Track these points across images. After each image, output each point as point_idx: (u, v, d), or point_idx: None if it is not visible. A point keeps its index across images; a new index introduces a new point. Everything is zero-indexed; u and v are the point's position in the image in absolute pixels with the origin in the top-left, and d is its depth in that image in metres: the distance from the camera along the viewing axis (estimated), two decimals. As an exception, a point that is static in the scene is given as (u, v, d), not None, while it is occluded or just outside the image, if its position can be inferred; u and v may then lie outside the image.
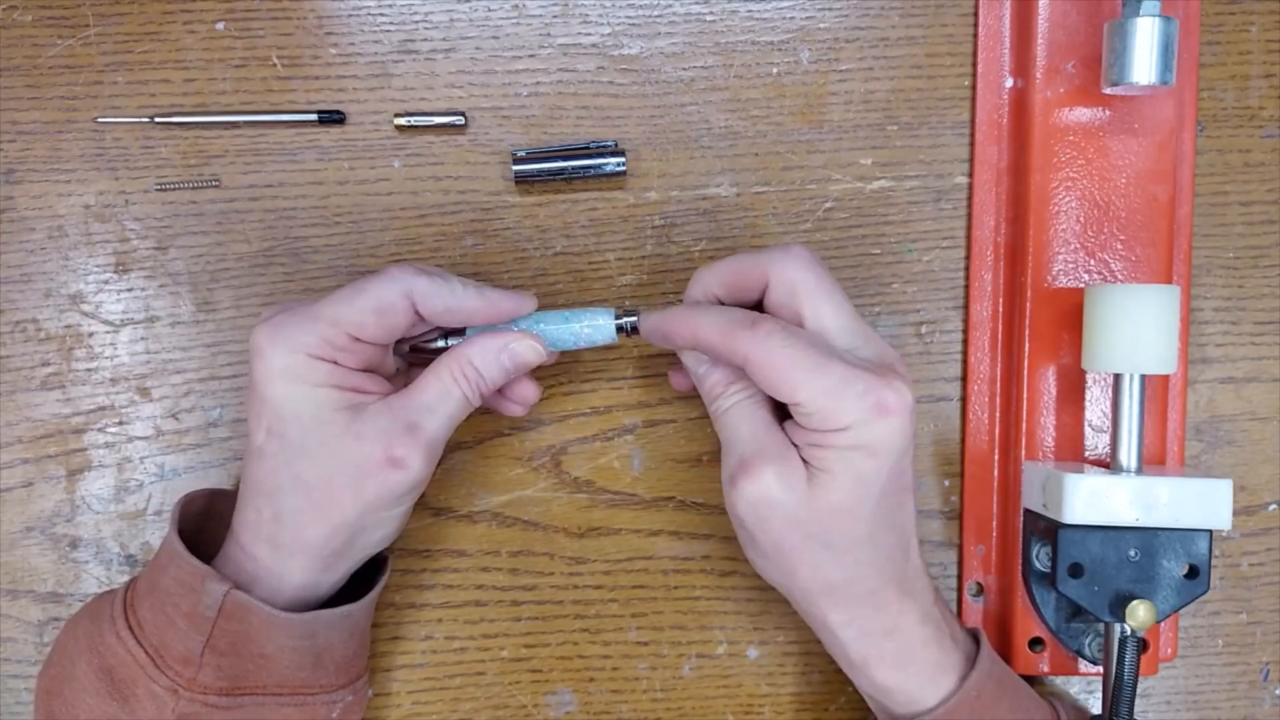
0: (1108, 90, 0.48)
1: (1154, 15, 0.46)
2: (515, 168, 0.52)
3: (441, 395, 0.45)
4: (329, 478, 0.43)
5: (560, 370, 0.53)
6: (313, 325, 0.43)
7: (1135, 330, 0.46)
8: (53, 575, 0.53)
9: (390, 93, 0.52)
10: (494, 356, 0.46)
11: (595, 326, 0.47)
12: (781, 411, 0.44)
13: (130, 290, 0.52)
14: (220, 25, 0.52)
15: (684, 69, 0.53)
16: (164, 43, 0.52)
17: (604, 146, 0.52)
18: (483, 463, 0.53)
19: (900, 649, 0.45)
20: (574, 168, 0.51)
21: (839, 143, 0.53)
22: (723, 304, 0.46)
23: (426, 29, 0.52)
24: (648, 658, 0.53)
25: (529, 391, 0.49)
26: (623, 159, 0.51)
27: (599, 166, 0.51)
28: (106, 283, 0.52)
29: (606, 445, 0.53)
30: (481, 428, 0.53)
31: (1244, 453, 0.53)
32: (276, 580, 0.45)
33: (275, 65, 0.52)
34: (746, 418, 0.44)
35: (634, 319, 0.47)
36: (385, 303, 0.44)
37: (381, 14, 0.52)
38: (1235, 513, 0.48)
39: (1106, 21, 0.47)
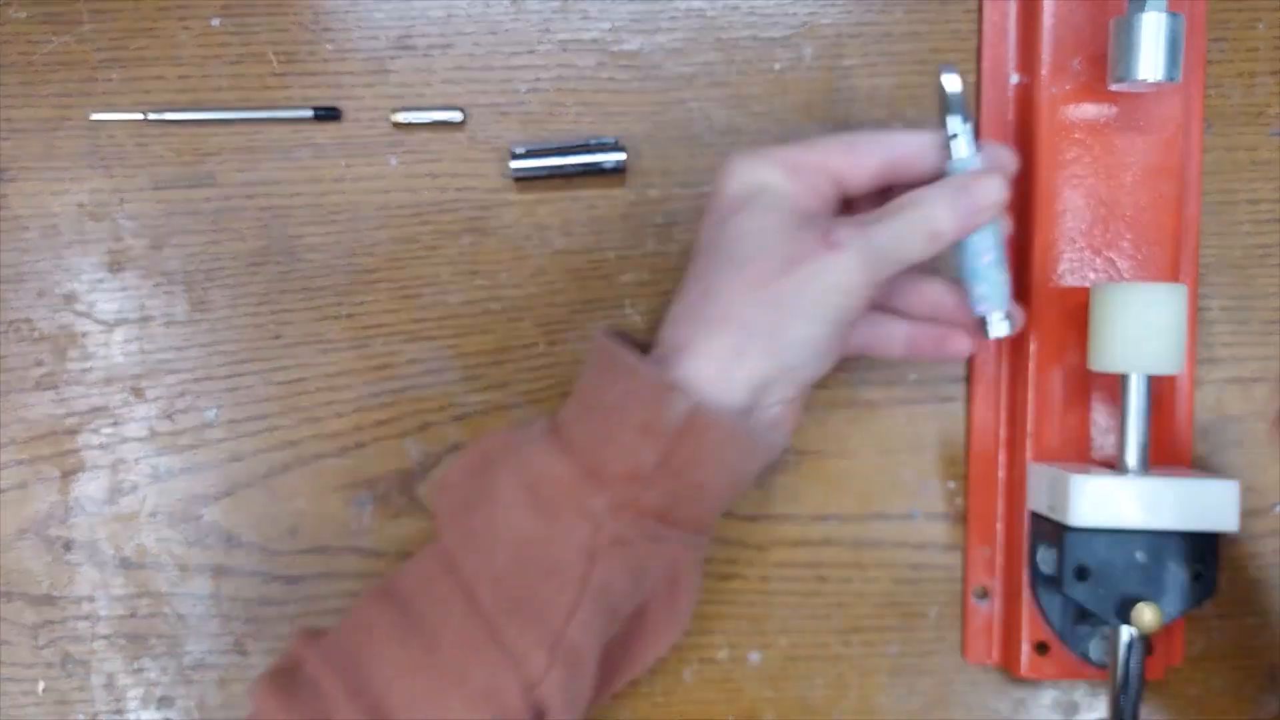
0: (1114, 87, 0.47)
1: (1160, 11, 0.45)
2: (514, 165, 0.51)
3: (895, 210, 0.43)
4: (763, 252, 0.43)
5: (561, 370, 0.52)
6: (781, 145, 0.44)
7: (1142, 330, 0.46)
8: (47, 577, 0.52)
9: (387, 89, 0.52)
10: (948, 194, 0.43)
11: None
12: None
13: (124, 289, 0.52)
14: (215, 21, 0.52)
15: (685, 65, 0.52)
16: (159, 39, 0.52)
17: (604, 143, 0.51)
18: (481, 464, 0.52)
19: None
20: (573, 165, 0.51)
21: (842, 140, 0.52)
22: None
23: (424, 25, 0.52)
24: (648, 661, 0.53)
25: (960, 344, 0.47)
26: (623, 156, 0.51)
27: (599, 163, 0.51)
28: (100, 282, 0.52)
29: (606, 446, 0.53)
30: (479, 429, 0.52)
31: (1251, 454, 0.53)
32: (682, 377, 0.42)
33: (271, 61, 0.52)
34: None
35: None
36: (851, 140, 0.45)
37: (378, 9, 0.52)
38: (1242, 514, 0.47)
39: (1113, 18, 0.47)
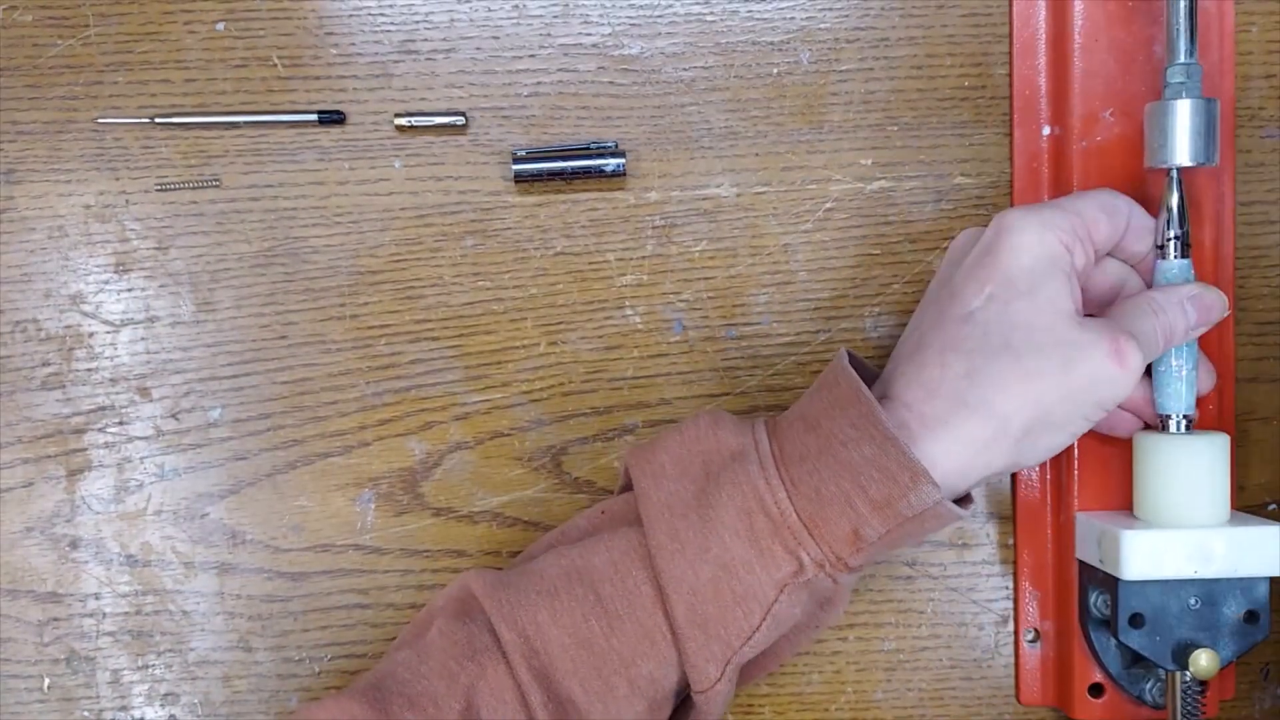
0: (1150, 169, 0.48)
1: (1195, 98, 0.46)
2: (515, 168, 0.52)
3: (1147, 328, 0.44)
4: (1042, 349, 0.42)
5: (560, 371, 0.53)
6: (1062, 212, 0.44)
7: (1187, 482, 0.47)
8: (52, 575, 0.53)
9: (390, 93, 0.52)
10: (1177, 301, 0.45)
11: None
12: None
13: (130, 290, 0.52)
14: (220, 25, 0.52)
15: (684, 69, 0.53)
16: (164, 43, 0.52)
17: (604, 147, 0.52)
18: (483, 463, 0.53)
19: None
20: (574, 168, 0.51)
21: (839, 143, 0.53)
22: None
23: (427, 29, 0.52)
24: (648, 658, 0.53)
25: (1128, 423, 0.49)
26: (623, 159, 0.52)
27: (599, 167, 0.51)
28: (107, 283, 0.52)
29: (606, 445, 0.53)
30: (481, 428, 0.53)
31: (1244, 453, 0.53)
32: (927, 456, 0.42)
33: (275, 65, 0.52)
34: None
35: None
36: (1113, 206, 0.45)
37: (382, 14, 0.52)
38: (1234, 510, 0.48)
39: (1148, 103, 0.47)
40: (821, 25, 0.53)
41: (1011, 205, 0.53)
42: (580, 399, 0.53)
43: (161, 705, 0.52)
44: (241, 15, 0.52)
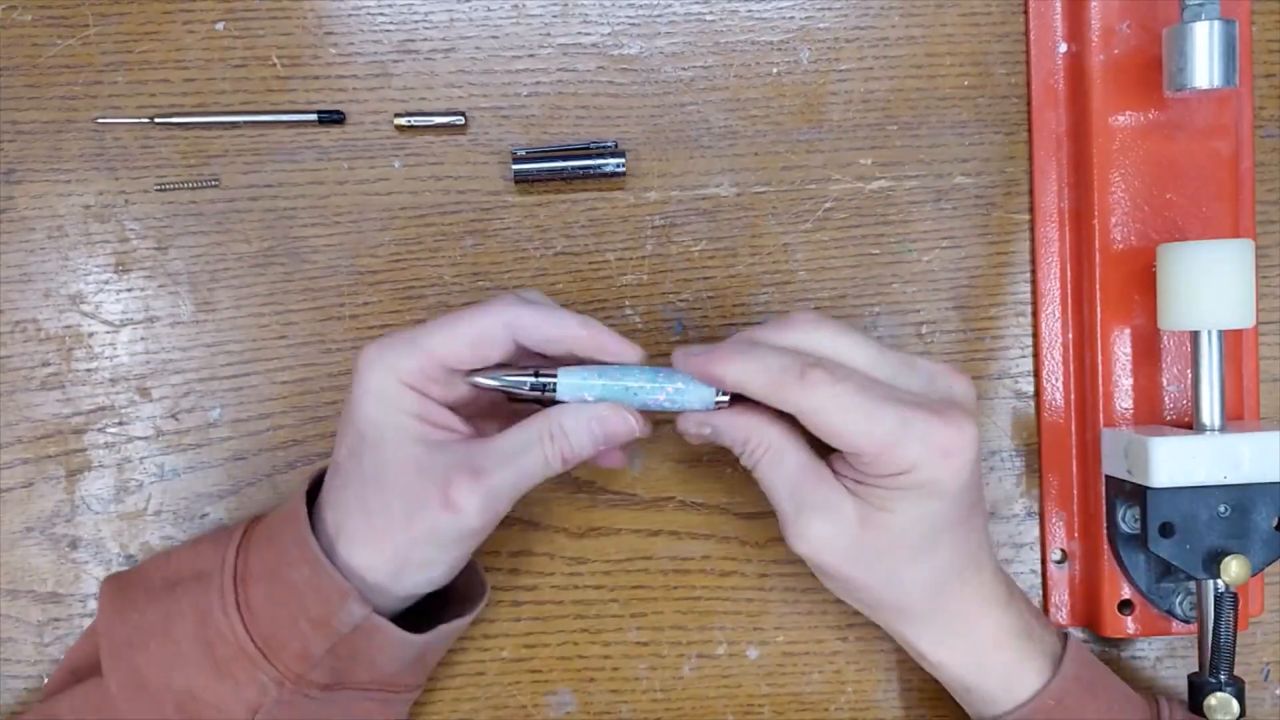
0: (1170, 95, 0.48)
1: (1214, 19, 0.46)
2: (515, 167, 0.52)
3: (520, 448, 0.43)
4: (388, 507, 0.43)
5: (560, 370, 0.53)
6: (410, 350, 0.42)
7: (1212, 286, 0.46)
8: (52, 575, 0.53)
9: (390, 93, 0.52)
10: (585, 423, 0.43)
11: (687, 393, 0.44)
12: (820, 444, 0.43)
13: (130, 290, 0.52)
14: (220, 25, 0.52)
15: (684, 69, 0.53)
16: (164, 42, 0.52)
17: (604, 146, 0.52)
18: (483, 463, 0.53)
19: (976, 655, 0.46)
20: (574, 168, 0.51)
21: (839, 142, 0.53)
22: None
23: (426, 29, 0.52)
24: (648, 658, 0.53)
25: (615, 460, 0.47)
26: (622, 159, 0.52)
27: (599, 166, 0.51)
28: (106, 283, 0.52)
29: (606, 445, 0.53)
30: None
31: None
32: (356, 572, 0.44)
33: (275, 65, 0.52)
34: (778, 468, 0.43)
35: (728, 398, 0.44)
36: (484, 334, 0.43)
37: (381, 14, 0.52)
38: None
39: (1165, 28, 0.47)
40: (821, 25, 0.53)
41: (1030, 140, 0.53)
42: (580, 399, 0.53)
43: (161, 705, 0.52)
44: (241, 15, 0.52)
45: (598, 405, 0.43)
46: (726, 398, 0.44)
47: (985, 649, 0.46)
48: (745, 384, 0.42)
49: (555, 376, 0.43)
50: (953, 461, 0.41)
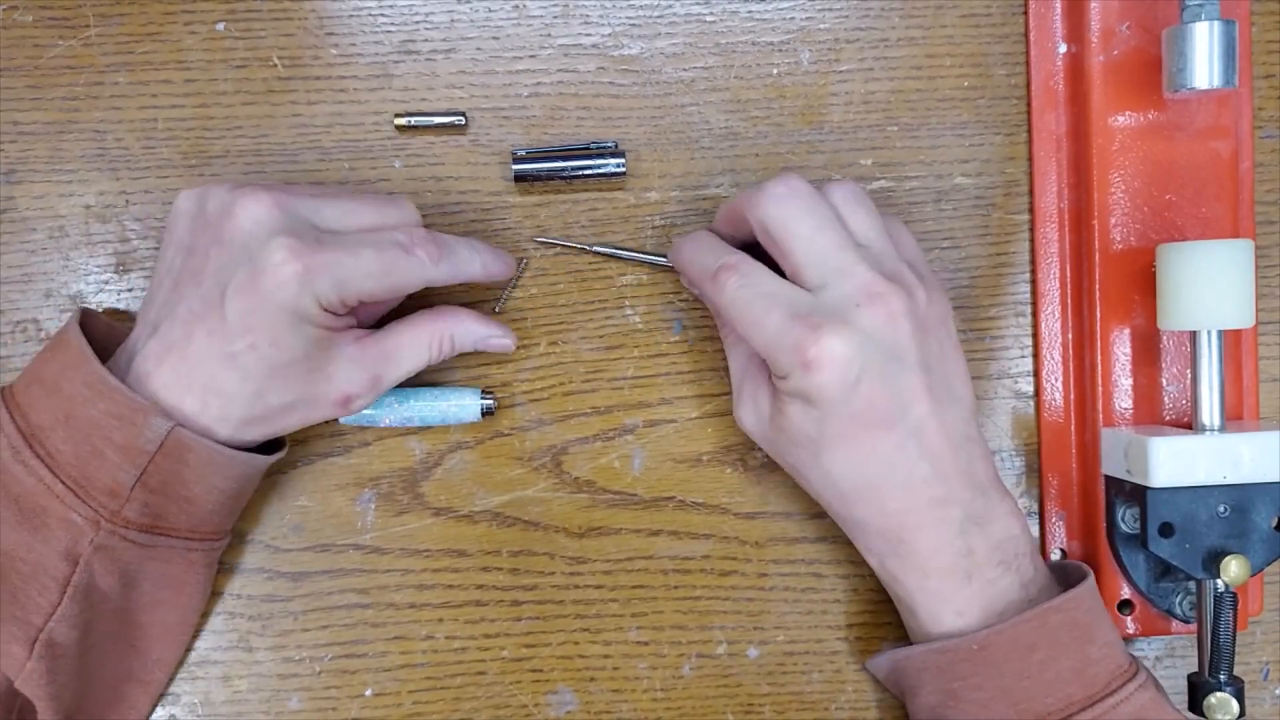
0: (1170, 95, 0.48)
1: (1214, 19, 0.46)
2: (515, 168, 0.52)
3: (414, 357, 0.48)
4: (288, 403, 0.46)
5: (560, 371, 0.53)
6: (337, 289, 0.44)
7: (1212, 286, 0.46)
8: (53, 575, 0.53)
9: (391, 93, 0.52)
10: (472, 341, 0.49)
11: (461, 406, 0.51)
12: None
13: (131, 290, 0.52)
14: (221, 26, 0.52)
15: (684, 69, 0.53)
16: (165, 43, 0.52)
17: (604, 147, 0.52)
18: (483, 463, 0.53)
19: (906, 575, 0.46)
20: (574, 168, 0.52)
21: (839, 143, 0.53)
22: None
23: (427, 29, 0.52)
24: (648, 657, 0.53)
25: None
26: (623, 159, 0.52)
27: (599, 167, 0.52)
28: (107, 283, 0.52)
29: (606, 445, 0.53)
30: (481, 428, 0.53)
31: None
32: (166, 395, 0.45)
33: (276, 66, 0.52)
34: (734, 354, 0.50)
35: (492, 401, 0.52)
36: (405, 287, 0.46)
37: (382, 14, 0.52)
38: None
39: (1165, 28, 0.47)
40: (821, 25, 0.53)
41: (1030, 141, 0.53)
42: (580, 399, 0.53)
43: (162, 706, 0.52)
44: (242, 15, 0.52)
45: (491, 325, 0.49)
46: (491, 401, 0.52)
47: (915, 572, 0.46)
48: (684, 274, 0.50)
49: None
50: (816, 375, 0.43)
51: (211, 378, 0.44)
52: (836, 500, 0.46)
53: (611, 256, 0.52)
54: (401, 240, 0.45)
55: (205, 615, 0.52)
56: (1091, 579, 0.46)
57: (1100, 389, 0.51)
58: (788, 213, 0.44)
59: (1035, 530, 0.54)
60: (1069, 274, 0.53)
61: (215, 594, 0.52)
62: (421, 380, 0.52)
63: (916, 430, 0.44)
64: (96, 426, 0.44)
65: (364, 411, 0.50)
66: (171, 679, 0.52)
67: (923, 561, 0.45)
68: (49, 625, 0.44)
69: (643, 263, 0.52)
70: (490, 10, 0.52)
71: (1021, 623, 0.44)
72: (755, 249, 0.47)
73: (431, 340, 0.48)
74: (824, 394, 0.43)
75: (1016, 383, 0.54)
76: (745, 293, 0.44)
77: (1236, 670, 0.47)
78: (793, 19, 0.53)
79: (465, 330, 0.49)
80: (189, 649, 0.52)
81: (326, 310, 0.44)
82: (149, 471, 0.44)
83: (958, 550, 0.45)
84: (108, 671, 0.49)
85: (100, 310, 0.52)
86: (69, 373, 0.44)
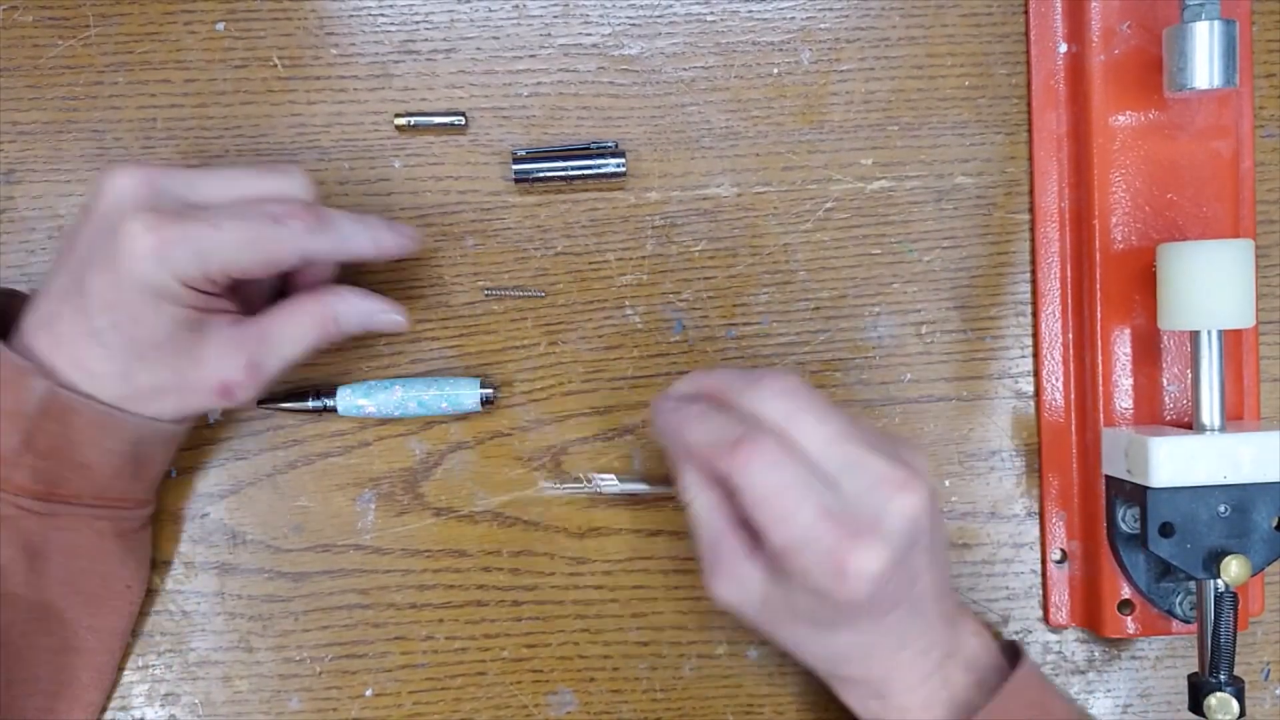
0: (1170, 95, 0.48)
1: (1214, 19, 0.46)
2: (515, 168, 0.52)
3: (296, 340, 0.46)
4: (158, 386, 0.44)
5: (560, 371, 0.53)
6: (198, 261, 0.42)
7: (1212, 287, 0.46)
8: (53, 575, 0.53)
9: (390, 93, 0.52)
10: (359, 319, 0.47)
11: (460, 394, 0.51)
12: None
13: (131, 290, 0.52)
14: (220, 26, 0.52)
15: (684, 69, 0.53)
16: (164, 43, 0.52)
17: (604, 147, 0.52)
18: (483, 463, 0.53)
19: (895, 711, 0.46)
20: (574, 168, 0.51)
21: (840, 143, 0.53)
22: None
23: (427, 29, 0.52)
24: (648, 658, 0.53)
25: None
26: (623, 159, 0.52)
27: (599, 167, 0.52)
28: (107, 283, 0.52)
29: (606, 445, 0.53)
30: (481, 428, 0.53)
31: None
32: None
33: (276, 66, 0.52)
34: (704, 513, 0.44)
35: (492, 391, 0.51)
36: (277, 260, 0.44)
37: (382, 14, 0.52)
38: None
39: (1166, 28, 0.47)
40: (821, 25, 0.53)
41: (1030, 140, 0.53)
42: (580, 399, 0.53)
43: (162, 705, 0.52)
44: (242, 15, 0.52)
45: (374, 300, 0.47)
46: (491, 390, 0.51)
47: (894, 710, 0.46)
48: (686, 440, 0.43)
49: (335, 396, 0.51)
50: (845, 584, 0.40)
51: (79, 355, 0.43)
52: (826, 664, 0.46)
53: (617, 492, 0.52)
54: (273, 211, 0.43)
55: (205, 615, 0.52)
56: (1029, 662, 0.47)
57: (1100, 389, 0.51)
58: (790, 409, 0.41)
59: (1035, 531, 0.54)
60: (1069, 274, 0.53)
61: (216, 594, 0.52)
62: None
63: (918, 600, 0.44)
64: None
65: (358, 401, 0.50)
66: (123, 653, 0.51)
67: (903, 700, 0.46)
68: None
69: (646, 494, 0.52)
70: (490, 10, 0.52)
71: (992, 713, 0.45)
72: None
73: (313, 321, 0.45)
74: (851, 598, 0.41)
75: (1016, 383, 0.54)
76: (774, 476, 0.40)
77: (1237, 670, 0.47)
78: (793, 19, 0.53)
79: (349, 308, 0.46)
80: (137, 631, 0.52)
81: (191, 288, 0.43)
82: (34, 435, 0.43)
83: (935, 685, 0.46)
84: (35, 650, 0.47)
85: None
86: None
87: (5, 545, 0.45)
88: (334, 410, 0.51)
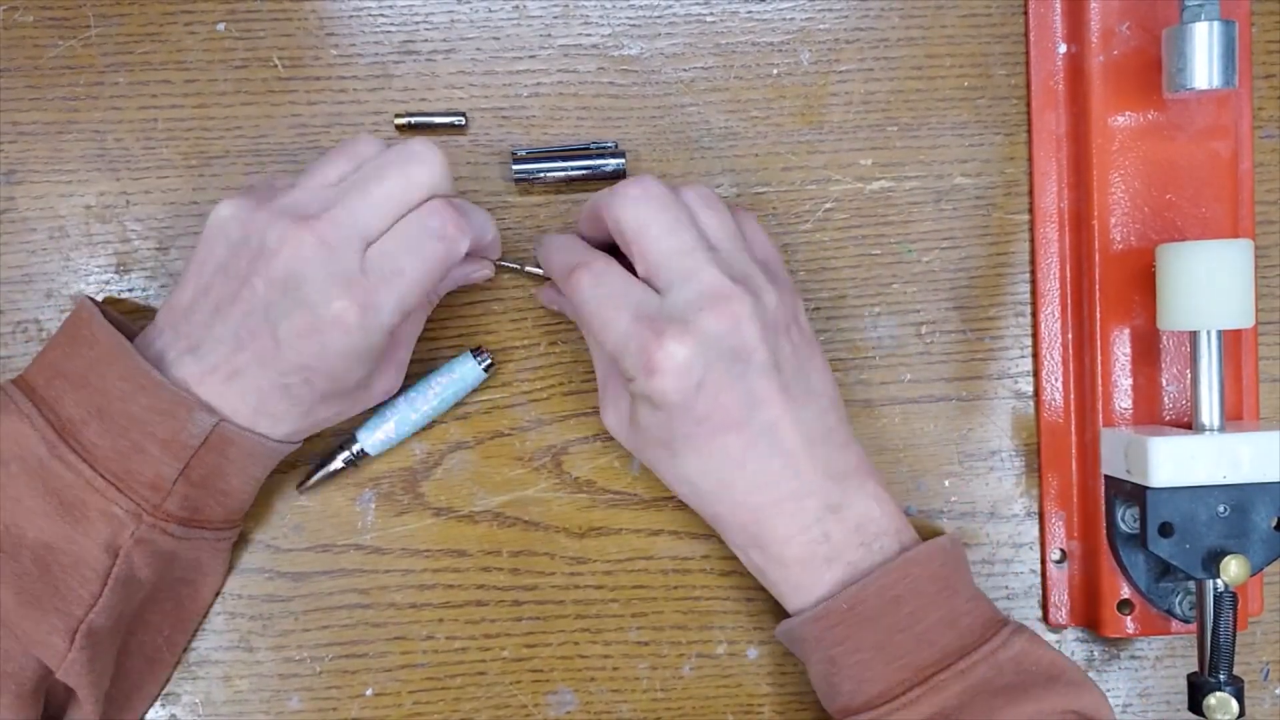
0: (1170, 95, 0.48)
1: (1214, 19, 0.46)
2: (515, 168, 0.52)
3: (415, 327, 0.49)
4: (335, 416, 0.48)
5: (561, 369, 0.53)
6: (402, 309, 0.44)
7: (1211, 287, 0.46)
8: (54, 575, 0.53)
9: (391, 93, 0.52)
10: (454, 280, 0.49)
11: (464, 376, 0.51)
12: None
13: (131, 291, 0.52)
14: (221, 26, 0.52)
15: (684, 70, 0.53)
16: (165, 44, 0.52)
17: (604, 147, 0.52)
18: (483, 463, 0.53)
19: (777, 566, 0.47)
20: (574, 168, 0.52)
21: (839, 143, 0.53)
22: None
23: (427, 30, 0.52)
24: (648, 658, 0.53)
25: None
26: (623, 160, 0.52)
27: (599, 167, 0.52)
28: (108, 283, 0.52)
29: (606, 445, 0.53)
30: (481, 428, 0.53)
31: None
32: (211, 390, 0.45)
33: (276, 66, 0.52)
34: (596, 354, 0.49)
35: (488, 357, 0.52)
36: (449, 272, 0.47)
37: (382, 15, 0.52)
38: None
39: (1165, 28, 0.47)
40: (821, 25, 0.53)
41: (1029, 141, 0.53)
42: (580, 399, 0.53)
43: (162, 705, 0.52)
44: (242, 16, 0.52)
45: (465, 263, 0.49)
46: (488, 360, 0.51)
47: (775, 563, 0.46)
48: (549, 271, 0.49)
49: (357, 442, 0.51)
50: (658, 380, 0.43)
51: (262, 402, 0.45)
52: (694, 497, 0.47)
53: (503, 268, 0.52)
54: (435, 228, 0.44)
55: (204, 615, 0.53)
56: (949, 537, 0.46)
57: (1100, 389, 0.51)
58: (640, 214, 0.44)
59: (1035, 531, 0.54)
60: (1069, 274, 0.53)
61: (216, 594, 0.52)
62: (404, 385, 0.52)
63: (768, 429, 0.44)
64: (135, 421, 0.44)
65: (378, 435, 0.51)
66: (177, 663, 0.52)
67: (780, 551, 0.46)
68: (89, 616, 0.44)
69: (526, 274, 0.52)
70: (490, 10, 0.52)
71: (883, 575, 0.45)
72: (618, 251, 0.47)
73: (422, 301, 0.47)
74: (667, 398, 0.43)
75: (1016, 383, 0.54)
76: (597, 292, 0.45)
77: (1236, 670, 0.47)
78: (793, 19, 0.53)
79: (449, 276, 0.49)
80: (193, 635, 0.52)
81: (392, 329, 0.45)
82: (192, 465, 0.45)
83: (813, 537, 0.45)
84: (134, 654, 0.49)
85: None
86: (100, 367, 0.44)
87: (145, 564, 0.45)
88: (366, 455, 0.51)
